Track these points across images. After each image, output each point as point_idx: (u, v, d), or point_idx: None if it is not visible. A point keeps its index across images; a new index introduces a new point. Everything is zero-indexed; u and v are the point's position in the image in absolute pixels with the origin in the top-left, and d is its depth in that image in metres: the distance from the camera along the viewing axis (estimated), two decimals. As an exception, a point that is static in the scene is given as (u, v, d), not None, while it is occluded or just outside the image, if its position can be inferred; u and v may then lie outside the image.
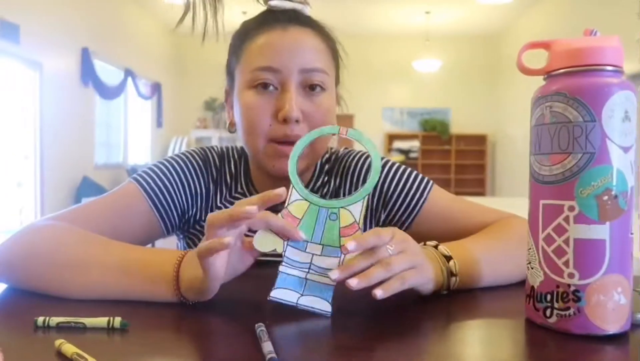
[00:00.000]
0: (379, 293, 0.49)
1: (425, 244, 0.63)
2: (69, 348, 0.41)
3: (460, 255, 0.62)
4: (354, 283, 0.49)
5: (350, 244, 0.50)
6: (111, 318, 0.47)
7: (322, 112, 0.74)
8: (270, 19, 0.75)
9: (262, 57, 0.72)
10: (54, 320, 0.48)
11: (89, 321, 0.48)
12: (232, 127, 0.81)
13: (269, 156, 0.74)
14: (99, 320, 0.48)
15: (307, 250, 0.53)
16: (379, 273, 0.51)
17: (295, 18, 0.75)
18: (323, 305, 0.51)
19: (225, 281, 0.54)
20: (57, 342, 0.42)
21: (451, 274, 0.60)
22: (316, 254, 0.53)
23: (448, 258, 0.61)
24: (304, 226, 0.53)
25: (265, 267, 0.55)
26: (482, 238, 0.72)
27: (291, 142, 0.72)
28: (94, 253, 0.60)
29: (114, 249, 0.61)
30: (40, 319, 0.48)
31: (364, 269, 0.51)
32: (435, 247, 0.63)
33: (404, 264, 0.53)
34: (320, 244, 0.53)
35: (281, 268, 0.52)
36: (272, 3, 0.76)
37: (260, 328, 0.45)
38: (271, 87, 0.73)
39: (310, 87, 0.73)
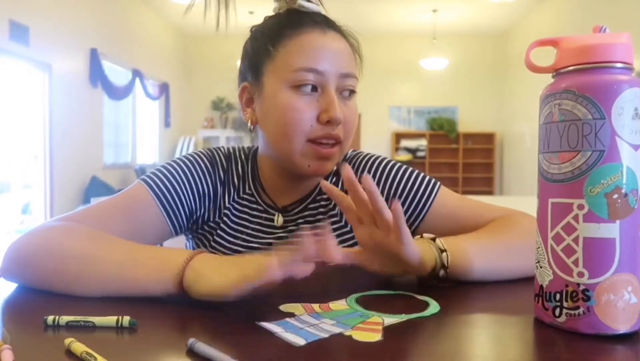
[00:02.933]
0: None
1: (422, 237, 0.65)
2: (78, 347, 0.41)
3: (451, 242, 0.64)
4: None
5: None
6: (120, 317, 0.48)
7: (354, 116, 0.77)
8: (307, 20, 0.76)
9: (305, 58, 0.73)
10: (64, 319, 0.48)
11: (98, 320, 0.48)
12: (252, 126, 0.81)
13: (306, 156, 0.75)
14: (107, 318, 0.48)
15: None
16: None
17: (328, 23, 0.77)
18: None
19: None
20: (67, 341, 0.42)
21: (441, 250, 0.62)
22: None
23: (442, 250, 0.63)
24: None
25: None
26: (477, 232, 0.73)
27: (331, 144, 0.74)
28: (103, 248, 0.61)
29: (123, 245, 0.62)
30: (50, 318, 0.48)
31: None
32: (433, 240, 0.64)
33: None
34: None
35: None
36: (301, 3, 0.76)
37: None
38: (313, 89, 0.73)
39: (346, 92, 0.76)
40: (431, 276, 0.63)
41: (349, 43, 0.79)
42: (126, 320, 0.48)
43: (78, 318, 0.48)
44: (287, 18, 0.77)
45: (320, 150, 0.74)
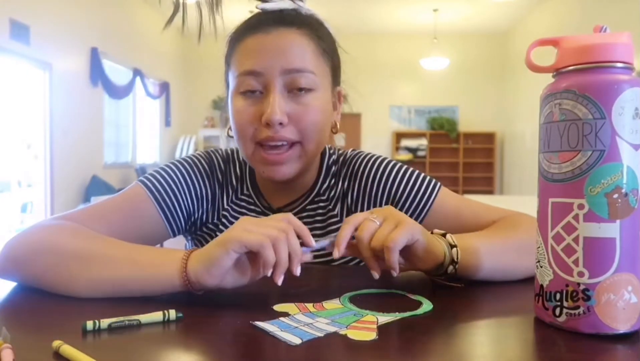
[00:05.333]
0: (394, 274, 0.57)
1: (432, 233, 0.64)
2: (67, 349, 0.41)
3: (460, 239, 0.64)
4: (375, 276, 0.58)
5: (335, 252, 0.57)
6: (166, 311, 0.48)
7: (311, 113, 0.73)
8: (254, 23, 0.74)
9: (245, 62, 0.73)
10: (105, 322, 0.47)
11: (143, 317, 0.48)
12: (230, 132, 0.81)
13: (257, 162, 0.75)
14: (154, 315, 0.48)
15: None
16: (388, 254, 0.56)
17: (280, 20, 0.73)
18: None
19: (223, 287, 0.55)
20: (56, 343, 0.41)
21: (451, 246, 0.62)
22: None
23: (453, 246, 0.62)
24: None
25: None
26: (485, 231, 0.73)
27: (276, 146, 0.73)
28: (102, 247, 0.61)
29: (121, 245, 0.62)
30: (90, 323, 0.46)
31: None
32: (443, 235, 0.64)
33: (389, 227, 0.57)
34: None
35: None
36: (260, 6, 0.75)
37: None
38: (257, 92, 0.73)
39: (297, 89, 0.72)
40: (439, 273, 0.62)
41: (310, 37, 0.74)
42: (172, 313, 0.49)
43: (121, 318, 0.48)
44: (243, 24, 0.77)
45: (267, 157, 0.73)
